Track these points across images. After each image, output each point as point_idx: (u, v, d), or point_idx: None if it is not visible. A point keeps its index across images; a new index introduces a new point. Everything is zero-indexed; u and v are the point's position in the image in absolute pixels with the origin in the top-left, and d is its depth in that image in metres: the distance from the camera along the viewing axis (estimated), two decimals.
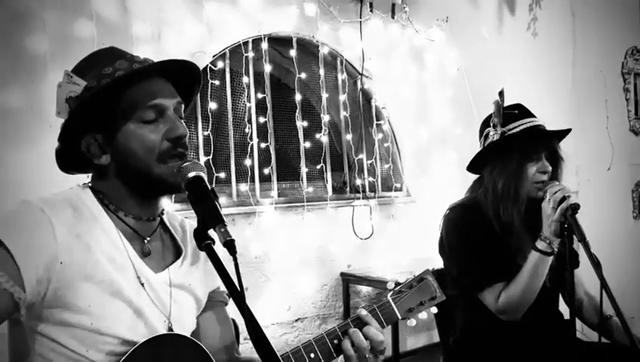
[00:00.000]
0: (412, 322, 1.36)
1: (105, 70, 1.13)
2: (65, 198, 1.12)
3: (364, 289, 3.30)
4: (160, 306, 1.16)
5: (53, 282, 1.04)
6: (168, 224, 1.29)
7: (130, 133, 1.12)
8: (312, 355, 1.20)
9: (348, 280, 3.18)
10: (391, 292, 1.36)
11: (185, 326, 1.22)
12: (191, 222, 1.29)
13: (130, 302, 1.10)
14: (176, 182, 1.10)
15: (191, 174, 1.06)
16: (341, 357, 1.24)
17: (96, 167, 1.18)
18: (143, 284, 1.14)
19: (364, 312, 1.28)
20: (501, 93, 1.93)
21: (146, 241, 1.19)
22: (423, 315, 1.37)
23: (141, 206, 1.18)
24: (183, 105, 1.20)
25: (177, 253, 1.26)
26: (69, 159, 1.19)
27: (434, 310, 1.39)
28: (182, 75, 1.21)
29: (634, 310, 3.94)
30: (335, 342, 1.23)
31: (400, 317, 1.34)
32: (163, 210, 1.26)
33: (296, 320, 3.07)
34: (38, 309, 1.05)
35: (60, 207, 1.09)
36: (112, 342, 1.08)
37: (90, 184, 1.20)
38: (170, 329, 1.17)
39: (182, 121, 1.19)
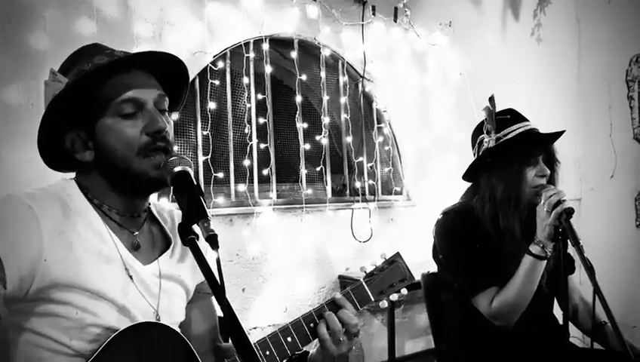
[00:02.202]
0: (384, 304, 1.39)
1: (84, 66, 1.13)
2: (52, 193, 1.11)
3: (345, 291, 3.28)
4: (149, 298, 1.16)
5: (36, 279, 1.03)
6: (157, 215, 1.28)
7: (108, 127, 1.12)
8: (289, 339, 1.23)
9: (345, 283, 3.17)
10: (364, 275, 1.39)
11: (174, 318, 1.21)
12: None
13: (114, 300, 1.10)
14: (158, 176, 1.10)
15: (177, 169, 1.06)
16: (317, 339, 1.26)
17: (81, 164, 1.17)
18: (131, 277, 1.13)
19: (338, 296, 1.31)
20: (491, 99, 1.91)
21: (135, 235, 1.19)
22: (394, 297, 1.41)
23: (125, 203, 1.18)
24: (166, 99, 1.19)
25: (167, 243, 1.26)
26: (56, 156, 1.19)
27: (404, 291, 1.42)
28: (165, 69, 1.20)
29: (637, 319, 3.90)
30: (311, 325, 1.26)
31: (373, 299, 1.37)
32: (149, 204, 1.26)
33: None
34: (21, 305, 1.05)
35: (47, 202, 1.08)
36: (96, 331, 1.07)
37: (73, 178, 1.20)
38: (159, 320, 1.16)
39: (165, 114, 1.18)
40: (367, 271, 1.40)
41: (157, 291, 1.18)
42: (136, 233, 1.19)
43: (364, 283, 1.37)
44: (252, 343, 1.15)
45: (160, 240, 1.26)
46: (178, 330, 1.17)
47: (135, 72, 1.15)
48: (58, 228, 1.07)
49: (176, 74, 1.23)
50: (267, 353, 1.20)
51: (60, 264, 1.04)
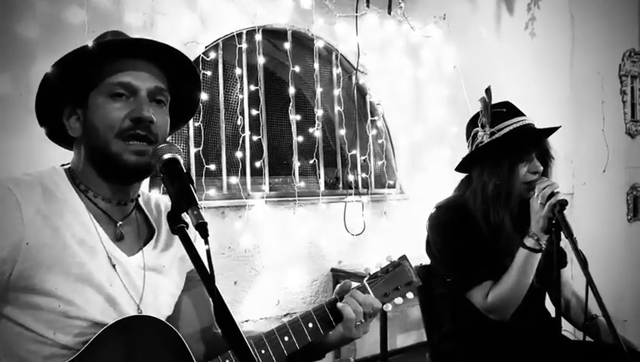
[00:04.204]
0: (388, 307, 1.35)
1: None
2: (36, 179, 1.10)
3: (354, 286, 3.28)
4: (132, 290, 1.14)
5: (18, 263, 1.02)
6: (143, 205, 1.27)
7: (96, 105, 1.12)
8: (311, 325, 1.22)
9: (338, 276, 3.16)
10: (367, 277, 1.35)
11: (159, 311, 1.19)
12: (167, 201, 1.28)
13: (99, 287, 1.08)
14: (139, 162, 1.10)
15: (166, 156, 1.04)
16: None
17: (75, 142, 1.18)
18: (114, 266, 1.11)
19: (340, 297, 1.31)
20: (488, 91, 1.89)
21: (118, 225, 1.17)
22: (398, 300, 1.36)
23: (111, 190, 1.17)
24: (165, 93, 1.18)
25: (151, 233, 1.24)
26: (55, 129, 1.19)
27: (410, 295, 1.38)
28: (176, 67, 1.20)
29: (628, 313, 3.93)
30: (310, 325, 1.24)
31: None
32: (138, 194, 1.24)
33: (285, 315, 3.05)
34: (4, 291, 1.03)
35: (29, 186, 1.08)
36: (80, 324, 1.05)
37: (67, 166, 1.19)
38: (141, 313, 1.14)
39: (162, 107, 1.17)
40: (371, 273, 1.36)
41: (141, 284, 1.16)
42: (121, 223, 1.18)
43: (366, 285, 1.33)
44: (250, 344, 1.15)
45: (145, 230, 1.24)
46: (168, 323, 1.15)
47: (139, 59, 1.15)
48: (41, 212, 1.05)
49: (186, 76, 1.24)
50: (262, 352, 1.17)
51: (44, 247, 1.03)
